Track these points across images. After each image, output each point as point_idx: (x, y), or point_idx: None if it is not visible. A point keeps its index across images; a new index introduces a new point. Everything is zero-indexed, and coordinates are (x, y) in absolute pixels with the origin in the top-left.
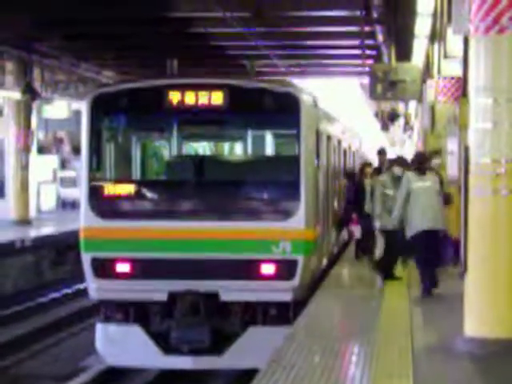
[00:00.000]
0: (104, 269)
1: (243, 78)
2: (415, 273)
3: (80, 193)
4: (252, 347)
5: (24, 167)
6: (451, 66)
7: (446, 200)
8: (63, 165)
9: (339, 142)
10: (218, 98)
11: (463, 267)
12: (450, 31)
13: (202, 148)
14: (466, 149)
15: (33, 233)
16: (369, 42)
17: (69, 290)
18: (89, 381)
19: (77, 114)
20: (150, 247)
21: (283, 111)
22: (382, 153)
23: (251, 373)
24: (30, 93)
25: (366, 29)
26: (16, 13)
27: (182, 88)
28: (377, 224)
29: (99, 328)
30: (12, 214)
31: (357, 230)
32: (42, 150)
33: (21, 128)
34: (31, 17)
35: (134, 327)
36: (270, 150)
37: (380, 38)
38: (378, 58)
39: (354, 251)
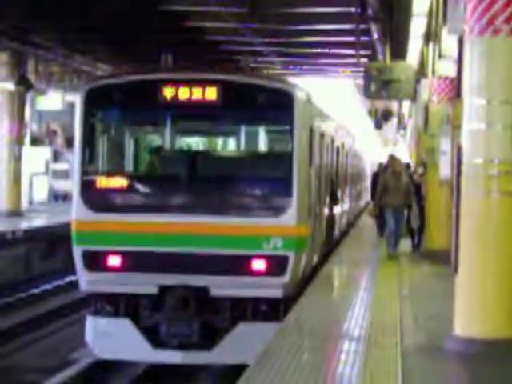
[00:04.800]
0: (95, 262)
1: (238, 73)
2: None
3: (72, 185)
4: (241, 343)
5: (17, 159)
6: (446, 66)
7: None
8: (56, 157)
9: (332, 140)
10: (211, 93)
11: (454, 267)
12: (444, 31)
13: (195, 143)
14: (459, 149)
15: (24, 224)
16: (364, 39)
17: (59, 283)
18: (78, 374)
19: (70, 106)
20: (141, 241)
21: (277, 107)
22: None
23: (239, 370)
24: (24, 84)
25: (361, 27)
26: (11, 4)
27: (176, 82)
28: None
29: (89, 321)
30: (4, 205)
31: None
32: (34, 141)
33: (14, 119)
34: (25, 9)
35: (123, 320)
36: (262, 145)
37: (375, 36)
38: (372, 57)
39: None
